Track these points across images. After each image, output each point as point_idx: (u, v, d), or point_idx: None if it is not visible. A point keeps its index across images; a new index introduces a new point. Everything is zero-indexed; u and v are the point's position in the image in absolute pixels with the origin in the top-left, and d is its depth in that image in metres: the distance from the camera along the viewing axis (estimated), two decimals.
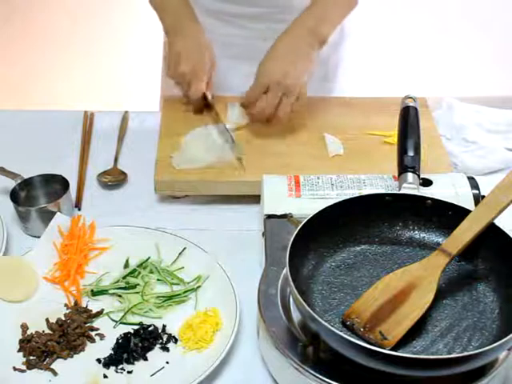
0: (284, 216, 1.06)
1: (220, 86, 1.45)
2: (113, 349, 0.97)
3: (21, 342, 0.97)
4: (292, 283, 0.85)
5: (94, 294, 1.05)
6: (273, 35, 1.28)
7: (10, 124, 1.45)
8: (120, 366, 0.95)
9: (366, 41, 1.37)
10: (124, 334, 0.98)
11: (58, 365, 0.95)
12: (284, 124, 1.28)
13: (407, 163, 1.06)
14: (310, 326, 0.84)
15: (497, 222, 0.92)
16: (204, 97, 1.32)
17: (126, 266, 1.09)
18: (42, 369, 0.94)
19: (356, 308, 0.88)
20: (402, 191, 1.04)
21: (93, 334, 0.99)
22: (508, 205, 0.91)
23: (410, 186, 1.04)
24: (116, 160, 1.34)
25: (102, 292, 1.05)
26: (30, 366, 0.95)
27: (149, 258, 1.09)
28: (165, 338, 0.98)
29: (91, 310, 1.02)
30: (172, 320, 1.01)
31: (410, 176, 1.05)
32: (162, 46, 1.57)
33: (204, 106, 1.34)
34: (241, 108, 1.32)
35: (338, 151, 1.28)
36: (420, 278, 0.89)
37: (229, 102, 1.37)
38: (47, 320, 1.01)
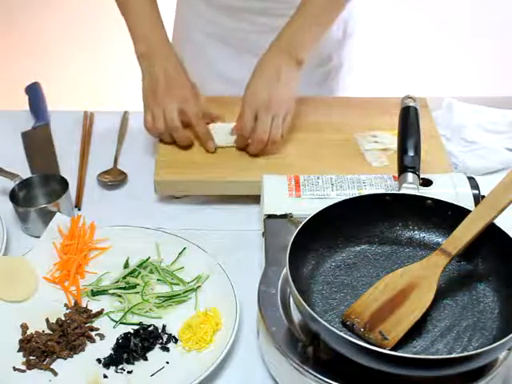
0: (284, 216, 1.06)
1: (219, 76, 1.47)
2: (113, 349, 0.97)
3: (21, 341, 0.97)
4: (292, 283, 0.85)
5: (94, 294, 1.05)
6: (273, 30, 1.28)
7: (11, 124, 1.45)
8: (120, 366, 0.94)
9: (366, 40, 1.37)
10: (124, 334, 0.98)
11: (57, 365, 0.95)
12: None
13: (407, 163, 1.06)
14: (310, 325, 0.84)
15: (497, 222, 0.92)
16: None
17: (126, 266, 1.09)
18: (42, 369, 0.94)
19: (356, 308, 0.88)
20: (402, 191, 1.04)
21: (93, 334, 0.99)
22: (508, 205, 0.91)
23: (410, 186, 1.04)
24: (116, 160, 1.34)
25: (102, 292, 1.05)
26: (29, 366, 0.95)
27: (149, 258, 1.09)
28: (165, 338, 0.98)
29: (91, 310, 1.02)
30: (172, 320, 1.01)
31: (409, 176, 1.05)
32: None
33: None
34: (225, 130, 1.30)
35: (338, 151, 1.28)
36: (420, 277, 0.89)
37: (212, 124, 1.32)
38: (47, 320, 1.01)
